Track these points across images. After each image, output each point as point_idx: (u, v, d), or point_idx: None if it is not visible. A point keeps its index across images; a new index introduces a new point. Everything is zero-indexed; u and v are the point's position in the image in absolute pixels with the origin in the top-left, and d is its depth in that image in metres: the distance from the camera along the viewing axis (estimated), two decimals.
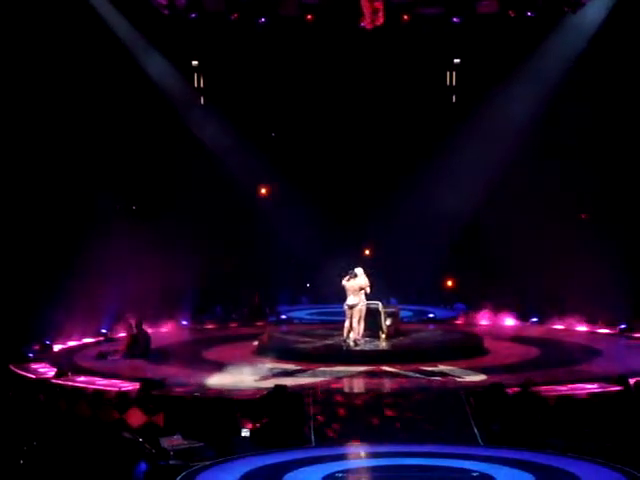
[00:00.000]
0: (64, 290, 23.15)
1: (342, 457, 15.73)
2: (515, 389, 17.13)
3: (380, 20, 21.71)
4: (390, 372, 19.80)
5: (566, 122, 26.53)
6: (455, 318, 27.97)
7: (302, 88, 29.10)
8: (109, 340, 24.15)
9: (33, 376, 19.60)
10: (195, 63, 29.07)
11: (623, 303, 24.56)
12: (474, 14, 23.80)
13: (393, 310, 22.96)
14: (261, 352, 21.96)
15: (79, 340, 24.05)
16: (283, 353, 21.25)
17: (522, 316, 26.95)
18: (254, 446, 16.19)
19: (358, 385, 18.93)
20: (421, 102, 29.27)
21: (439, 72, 29.49)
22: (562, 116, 26.72)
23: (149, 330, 22.91)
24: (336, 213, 29.84)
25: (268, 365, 20.40)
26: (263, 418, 16.50)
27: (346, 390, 18.35)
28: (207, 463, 15.26)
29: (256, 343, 22.77)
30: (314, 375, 19.45)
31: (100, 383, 18.70)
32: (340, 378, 19.21)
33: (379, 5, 21.33)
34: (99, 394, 17.41)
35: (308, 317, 28.67)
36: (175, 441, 15.73)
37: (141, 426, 15.98)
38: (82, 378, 19.25)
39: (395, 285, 27.78)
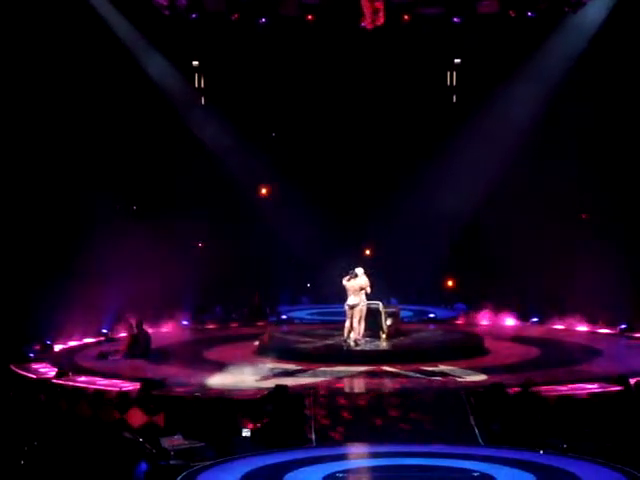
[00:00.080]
0: (65, 290, 23.14)
1: (342, 457, 15.74)
2: (516, 389, 17.14)
3: (381, 20, 21.72)
4: (391, 372, 19.81)
5: (566, 122, 26.54)
6: (455, 318, 27.98)
7: (302, 88, 29.12)
8: (110, 340, 24.16)
9: (34, 376, 19.61)
10: (196, 63, 29.11)
11: (623, 303, 24.55)
12: (474, 14, 23.80)
13: (393, 310, 22.97)
14: (262, 352, 21.97)
15: (80, 340, 24.06)
16: (284, 353, 21.26)
17: (522, 316, 26.96)
18: (255, 446, 16.20)
19: (359, 385, 18.94)
20: (421, 102, 29.28)
21: (439, 72, 29.51)
22: (562, 116, 26.74)
23: (149, 330, 22.91)
24: (336, 213, 29.84)
25: (269, 365, 20.41)
26: (264, 418, 16.52)
27: (347, 390, 18.36)
28: (208, 463, 15.27)
29: (257, 343, 22.78)
30: (315, 375, 19.46)
31: (101, 383, 18.70)
32: (341, 378, 19.22)
33: (379, 5, 21.34)
34: (100, 394, 17.42)
35: (309, 317, 28.68)
36: (176, 441, 15.74)
37: (142, 426, 16.00)
38: (83, 378, 19.26)
39: (395, 285, 27.78)
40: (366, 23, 21.90)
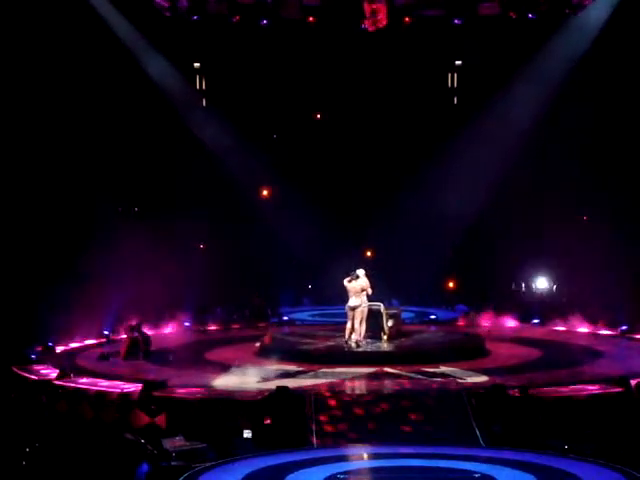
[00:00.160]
0: (66, 292, 23.19)
1: (344, 458, 15.75)
2: (515, 392, 17.17)
3: (383, 22, 21.76)
4: (392, 373, 19.81)
5: (567, 123, 26.58)
6: (457, 319, 28.00)
7: (303, 90, 29.15)
8: (111, 342, 24.18)
9: (35, 377, 19.62)
10: (197, 65, 29.15)
11: (624, 304, 24.56)
12: (475, 16, 23.80)
13: (395, 311, 22.99)
14: (263, 353, 21.99)
15: (81, 342, 24.07)
16: (285, 354, 21.27)
17: (523, 317, 26.98)
18: (256, 447, 16.22)
19: (360, 386, 18.94)
20: (423, 104, 29.33)
21: (441, 74, 29.56)
22: (563, 117, 26.77)
23: (150, 332, 22.92)
24: (337, 214, 29.88)
25: (270, 366, 20.42)
26: (265, 419, 16.53)
27: (348, 391, 18.36)
28: (209, 464, 15.29)
29: (258, 344, 22.79)
30: (316, 376, 19.46)
31: (102, 384, 18.70)
32: (342, 379, 19.23)
33: (380, 7, 21.37)
34: (101, 395, 17.43)
35: (310, 318, 28.72)
36: (177, 442, 15.76)
37: (143, 427, 16.01)
38: (84, 379, 19.27)
39: (397, 286, 27.82)
40: (368, 25, 21.92)
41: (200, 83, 29.37)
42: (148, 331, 23.47)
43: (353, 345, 21.31)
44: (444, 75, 29.66)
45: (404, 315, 24.51)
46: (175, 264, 25.88)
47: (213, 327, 27.15)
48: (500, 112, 27.67)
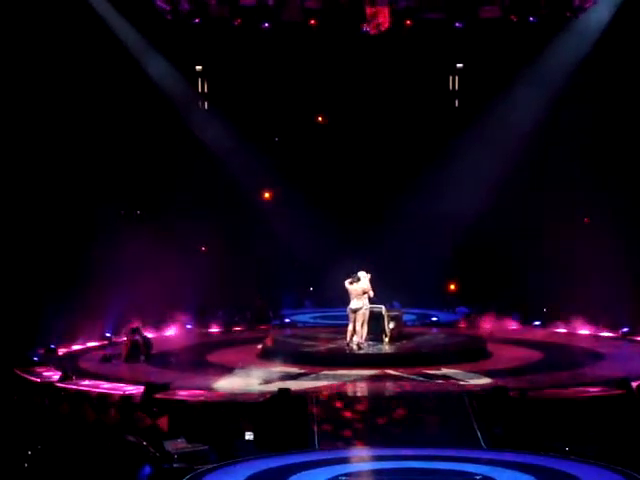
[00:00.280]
0: (69, 294, 23.23)
1: (345, 460, 15.77)
2: (517, 392, 17.20)
3: (385, 26, 21.81)
4: (393, 375, 19.84)
5: (568, 126, 26.60)
6: (458, 321, 28.02)
7: (305, 93, 29.18)
8: (113, 344, 24.21)
9: (38, 380, 19.66)
10: (199, 68, 29.19)
11: (626, 306, 24.58)
12: (476, 19, 23.83)
13: (396, 313, 22.99)
14: (265, 356, 22.01)
15: (83, 344, 24.10)
16: (287, 357, 21.29)
17: (525, 319, 27.00)
18: (258, 449, 16.25)
19: (361, 388, 18.97)
20: (424, 107, 29.35)
21: (442, 77, 29.59)
22: (564, 120, 26.79)
23: (152, 334, 22.95)
24: (340, 217, 29.88)
25: (272, 369, 20.44)
26: (267, 421, 16.56)
27: (349, 393, 18.40)
28: (211, 466, 15.32)
29: (260, 347, 22.82)
30: (318, 378, 19.49)
31: (104, 387, 18.74)
32: (344, 381, 19.25)
33: (382, 10, 21.40)
34: (103, 398, 17.46)
35: (312, 321, 28.73)
36: (179, 444, 15.79)
37: (145, 429, 16.04)
38: (86, 382, 19.30)
39: (398, 288, 27.80)
40: (369, 28, 21.95)
41: (202, 86, 29.40)
42: (150, 333, 23.54)
43: (355, 347, 21.33)
44: (445, 78, 29.69)
45: (405, 317, 24.54)
46: (177, 266, 25.89)
47: (215, 329, 27.17)
48: (501, 115, 27.67)
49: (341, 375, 19.73)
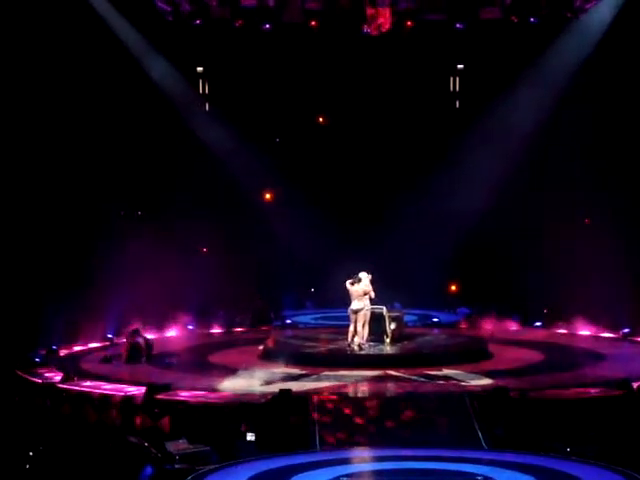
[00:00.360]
0: (70, 295, 23.24)
1: (346, 461, 15.79)
2: (518, 393, 17.22)
3: (386, 27, 21.82)
4: (395, 376, 19.85)
5: (569, 127, 26.61)
6: (459, 322, 28.03)
7: (306, 93, 29.21)
8: (115, 345, 24.21)
9: (39, 381, 19.65)
10: (200, 69, 29.22)
11: (626, 307, 24.58)
12: (477, 20, 23.85)
13: (397, 314, 22.99)
14: (266, 357, 22.03)
15: (85, 345, 24.11)
16: (288, 357, 21.29)
17: (526, 320, 27.00)
18: (259, 450, 16.27)
19: (363, 389, 18.98)
20: (425, 108, 29.36)
21: (443, 78, 29.60)
22: (565, 121, 26.80)
23: (152, 335, 22.96)
24: (341, 217, 29.89)
25: (273, 369, 20.45)
26: (268, 422, 16.58)
27: (351, 394, 18.41)
28: (212, 467, 15.34)
29: (261, 348, 22.83)
30: (319, 379, 19.49)
31: (106, 388, 18.75)
32: (345, 382, 19.27)
33: (383, 12, 21.42)
34: (105, 399, 17.48)
35: (313, 321, 28.72)
36: (181, 445, 15.81)
37: (147, 430, 16.06)
38: (88, 383, 19.29)
39: (399, 289, 27.81)
40: (370, 29, 21.97)
41: (203, 87, 29.42)
42: (151, 335, 23.54)
43: (356, 348, 21.35)
44: (446, 79, 29.70)
45: (406, 318, 24.54)
46: (178, 267, 25.90)
47: (216, 330, 27.18)
48: (502, 115, 27.69)
49: (342, 376, 19.74)
